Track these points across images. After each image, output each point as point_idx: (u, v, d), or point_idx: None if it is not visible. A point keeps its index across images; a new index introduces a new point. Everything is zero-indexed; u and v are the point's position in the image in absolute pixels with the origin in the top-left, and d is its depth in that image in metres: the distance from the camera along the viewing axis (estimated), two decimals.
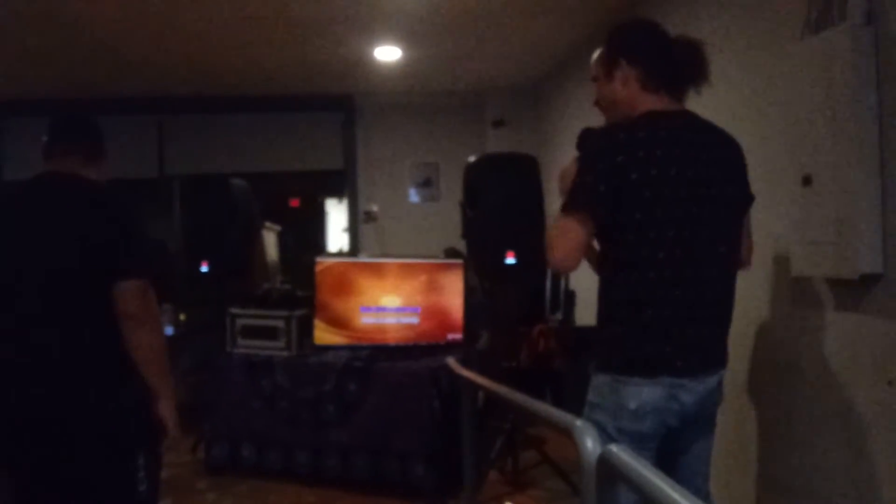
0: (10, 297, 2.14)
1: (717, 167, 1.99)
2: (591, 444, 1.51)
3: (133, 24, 4.47)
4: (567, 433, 1.62)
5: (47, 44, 4.78)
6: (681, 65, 2.03)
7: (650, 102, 2.00)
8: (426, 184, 6.54)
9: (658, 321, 1.90)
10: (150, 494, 2.21)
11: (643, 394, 1.88)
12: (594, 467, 1.47)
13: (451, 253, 4.90)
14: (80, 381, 2.09)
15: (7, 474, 2.16)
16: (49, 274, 2.11)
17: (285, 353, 4.36)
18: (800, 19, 2.55)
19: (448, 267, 4.48)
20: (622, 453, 1.36)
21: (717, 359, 2.05)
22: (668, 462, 1.98)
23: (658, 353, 1.89)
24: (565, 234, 1.92)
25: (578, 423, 1.59)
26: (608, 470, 1.39)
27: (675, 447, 2.03)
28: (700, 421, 2.05)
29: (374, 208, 6.47)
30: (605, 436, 1.81)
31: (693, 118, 2.07)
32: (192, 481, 4.31)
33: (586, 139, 2.25)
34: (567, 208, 1.92)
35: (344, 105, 6.58)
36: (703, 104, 3.45)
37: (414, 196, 6.57)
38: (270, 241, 5.54)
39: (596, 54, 2.16)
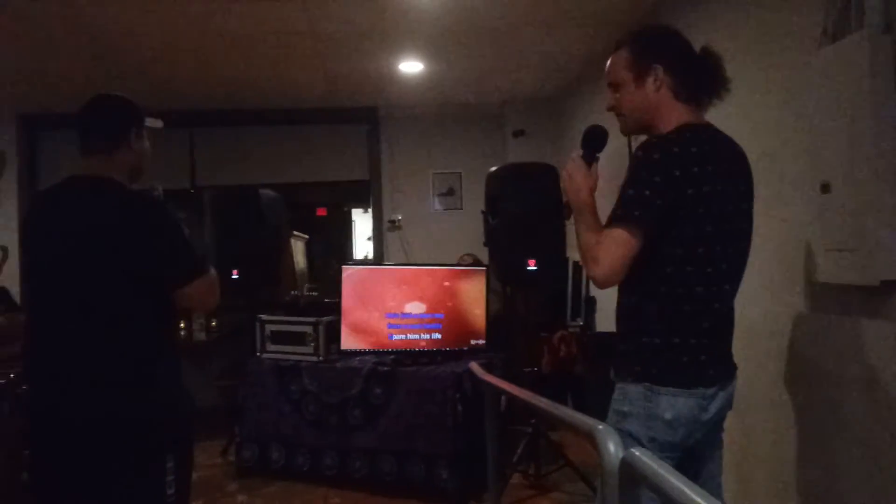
0: (43, 304, 2.17)
1: (742, 182, 2.04)
2: (613, 448, 1.51)
3: (162, 41, 4.58)
4: (589, 437, 1.63)
5: (85, 62, 4.93)
6: (706, 76, 2.02)
7: (681, 112, 1.99)
8: (449, 193, 6.61)
9: (698, 334, 1.93)
10: (179, 499, 2.20)
11: (678, 404, 1.90)
12: (617, 471, 1.47)
13: (472, 261, 4.96)
14: (111, 386, 2.09)
15: (37, 478, 2.19)
16: (81, 283, 2.11)
17: (313, 359, 4.45)
18: (817, 28, 2.57)
19: (470, 273, 4.54)
20: (645, 457, 1.34)
21: (733, 366, 2.11)
22: (688, 471, 1.99)
23: (696, 364, 1.92)
24: (615, 247, 1.87)
25: (601, 426, 1.60)
26: (631, 474, 1.39)
27: (695, 455, 2.04)
28: (716, 428, 2.10)
29: (399, 217, 6.55)
30: (638, 445, 1.78)
31: (719, 132, 2.07)
32: (222, 483, 4.42)
33: (594, 137, 2.15)
34: (619, 220, 1.88)
35: (369, 117, 6.68)
36: (725, 113, 3.49)
37: (437, 205, 6.64)
38: (298, 249, 5.64)
39: (617, 57, 2.09)
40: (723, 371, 2.02)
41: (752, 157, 3.15)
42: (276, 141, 6.64)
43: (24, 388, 2.56)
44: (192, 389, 2.34)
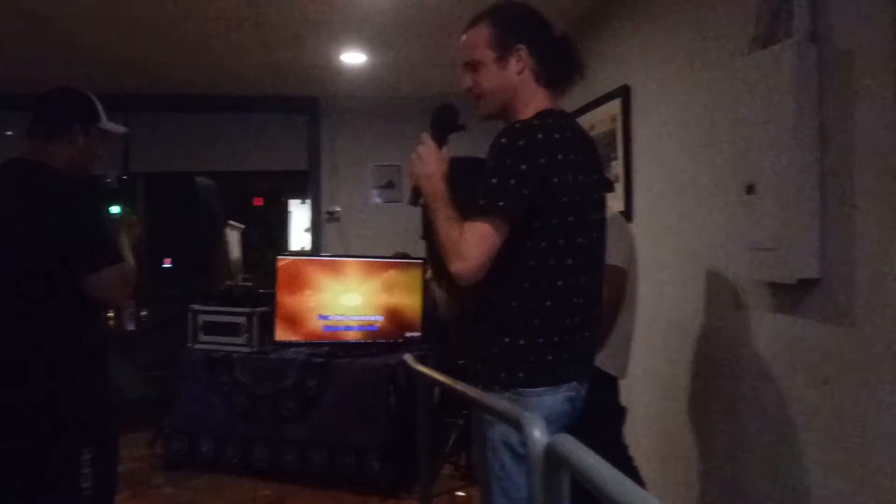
0: None
1: (596, 171, 1.97)
2: (538, 435, 1.54)
3: (99, 21, 4.46)
4: (516, 424, 1.66)
5: (7, 36, 4.74)
6: (565, 61, 1.95)
7: (541, 97, 1.91)
8: (389, 186, 6.59)
9: (564, 329, 1.85)
10: (97, 493, 2.14)
11: (547, 402, 1.82)
12: (542, 457, 1.50)
13: (402, 257, 4.95)
14: (27, 375, 2.06)
15: None
16: (3, 269, 2.08)
17: (246, 350, 4.40)
18: (747, 35, 2.65)
19: (407, 266, 4.55)
20: (569, 443, 1.36)
21: (593, 363, 2.05)
22: None
23: (561, 362, 1.84)
24: (480, 241, 1.74)
25: (527, 414, 1.62)
26: (555, 459, 1.40)
27: None
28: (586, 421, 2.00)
29: (337, 209, 6.51)
30: (511, 450, 1.79)
31: (574, 119, 2.01)
32: (149, 475, 4.34)
33: (445, 117, 2.01)
34: (483, 212, 1.75)
35: (309, 107, 6.61)
36: (653, 111, 3.59)
37: (376, 197, 6.62)
38: (233, 239, 5.56)
39: (477, 34, 1.94)
40: (586, 368, 1.95)
41: (682, 157, 3.26)
42: (214, 128, 6.52)
43: None
44: (119, 380, 2.29)
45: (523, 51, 1.89)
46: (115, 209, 2.48)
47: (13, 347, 2.07)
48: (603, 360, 2.86)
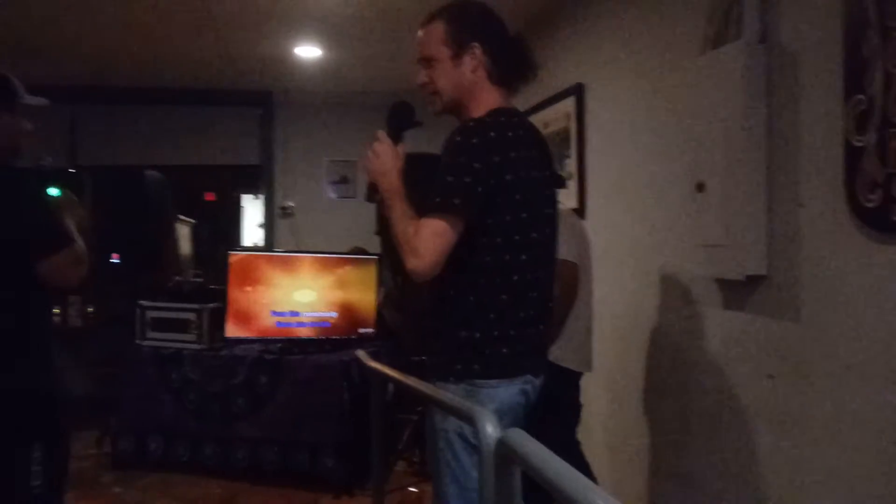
0: None
1: (547, 168, 2.01)
2: (490, 430, 1.56)
3: (48, 8, 4.34)
4: (469, 420, 1.67)
5: None
6: (518, 60, 1.98)
7: (494, 96, 1.94)
8: (343, 181, 6.56)
9: (516, 324, 1.88)
10: (48, 490, 2.10)
11: (500, 394, 1.85)
12: (493, 451, 1.52)
13: (358, 252, 4.93)
14: None
15: None
16: None
17: (196, 346, 4.33)
18: (698, 35, 2.70)
19: (361, 262, 4.53)
20: (520, 437, 1.38)
21: (546, 357, 2.09)
22: None
23: (516, 355, 1.88)
24: (435, 238, 1.77)
25: (479, 409, 1.64)
26: (506, 454, 1.41)
27: None
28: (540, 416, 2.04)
29: (291, 204, 6.45)
30: (464, 440, 1.81)
31: (525, 117, 2.04)
32: (96, 475, 4.26)
33: (400, 114, 2.03)
34: (438, 209, 1.78)
35: (262, 101, 6.54)
36: (606, 110, 3.63)
37: (330, 193, 6.58)
38: (184, 234, 5.47)
39: (432, 31, 1.97)
40: (540, 361, 1.99)
41: (634, 155, 3.30)
42: (165, 121, 6.41)
43: None
44: (65, 377, 2.24)
45: (478, 49, 1.92)
46: (53, 191, 2.42)
47: None
48: (563, 355, 2.89)
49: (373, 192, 1.96)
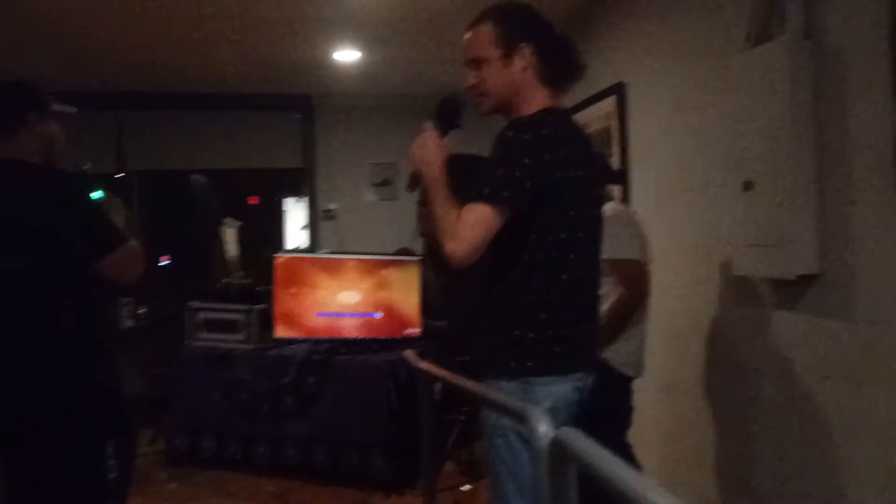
0: None
1: (593, 168, 2.03)
2: (544, 429, 1.56)
3: (93, 19, 4.46)
4: (521, 419, 1.68)
5: (4, 37, 4.74)
6: (566, 60, 2.00)
7: (543, 96, 1.96)
8: (384, 183, 6.61)
9: (568, 322, 1.90)
10: (121, 484, 2.21)
11: (555, 391, 1.87)
12: (547, 450, 1.53)
13: (404, 253, 4.98)
14: (50, 370, 2.10)
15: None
16: (10, 266, 2.09)
17: (245, 347, 4.42)
18: (742, 32, 2.68)
19: (405, 264, 4.57)
20: (575, 436, 1.38)
21: (595, 355, 2.11)
22: None
23: (569, 352, 1.90)
24: (477, 224, 1.78)
25: (532, 408, 1.65)
26: (561, 452, 1.42)
27: None
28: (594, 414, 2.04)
29: (334, 206, 6.52)
30: (520, 436, 1.82)
31: (572, 117, 2.07)
32: (151, 472, 4.36)
33: (448, 111, 2.03)
34: (485, 199, 1.79)
35: (302, 105, 6.61)
36: (648, 108, 3.61)
37: (372, 195, 6.63)
38: (230, 236, 5.57)
39: (480, 32, 1.98)
40: (591, 360, 2.01)
41: (678, 154, 3.29)
42: (209, 126, 6.52)
43: None
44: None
45: (527, 49, 1.93)
46: (96, 194, 2.50)
47: (34, 344, 2.10)
48: (617, 359, 2.87)
49: (416, 182, 1.99)
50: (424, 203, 1.98)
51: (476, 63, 1.98)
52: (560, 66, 1.99)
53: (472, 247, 1.78)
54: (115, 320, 5.29)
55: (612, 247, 2.79)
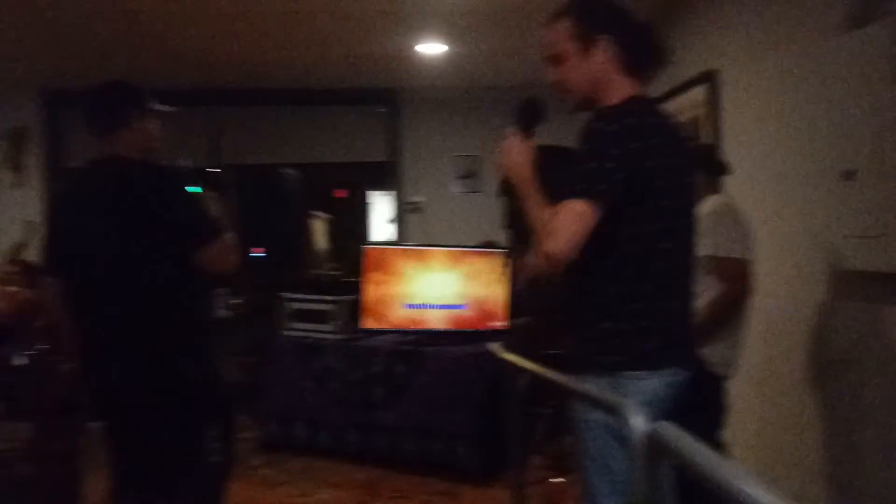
0: (88, 278, 2.29)
1: (685, 156, 1.99)
2: (640, 422, 1.55)
3: (186, 19, 4.63)
4: (615, 412, 1.67)
5: (107, 38, 4.97)
6: (648, 47, 1.96)
7: (629, 85, 1.93)
8: (469, 175, 6.63)
9: (663, 315, 1.87)
10: (223, 467, 2.36)
11: (648, 386, 1.83)
12: (644, 445, 1.52)
13: (489, 246, 4.99)
14: (157, 355, 2.23)
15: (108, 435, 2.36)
16: (119, 257, 2.23)
17: (335, 337, 4.52)
18: (840, 15, 2.59)
19: (491, 255, 4.59)
20: (672, 430, 1.35)
21: (693, 349, 2.06)
22: None
23: (663, 345, 1.86)
24: (574, 221, 1.74)
25: (627, 401, 1.63)
26: (656, 447, 1.40)
27: None
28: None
29: (419, 199, 6.58)
30: (611, 431, 1.79)
31: (660, 106, 2.04)
32: (246, 457, 4.48)
33: (529, 111, 2.00)
34: (580, 194, 1.75)
35: (387, 98, 6.69)
36: (741, 97, 3.52)
37: (457, 187, 6.66)
38: (319, 229, 5.70)
39: (558, 28, 1.95)
40: (688, 354, 1.96)
41: (773, 143, 3.20)
42: (297, 121, 6.67)
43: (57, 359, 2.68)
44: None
45: (606, 41, 1.91)
46: (194, 189, 2.62)
47: (143, 331, 2.24)
48: (711, 358, 2.79)
49: (506, 189, 1.98)
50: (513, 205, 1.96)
51: (556, 59, 1.97)
52: (642, 53, 1.95)
53: (570, 244, 1.74)
54: (211, 310, 5.50)
55: (715, 243, 2.74)
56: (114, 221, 2.23)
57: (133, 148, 2.35)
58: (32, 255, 5.85)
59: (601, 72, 1.92)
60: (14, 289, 5.49)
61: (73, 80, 5.74)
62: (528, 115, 2.01)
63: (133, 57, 5.30)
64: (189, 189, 2.40)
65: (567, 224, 1.75)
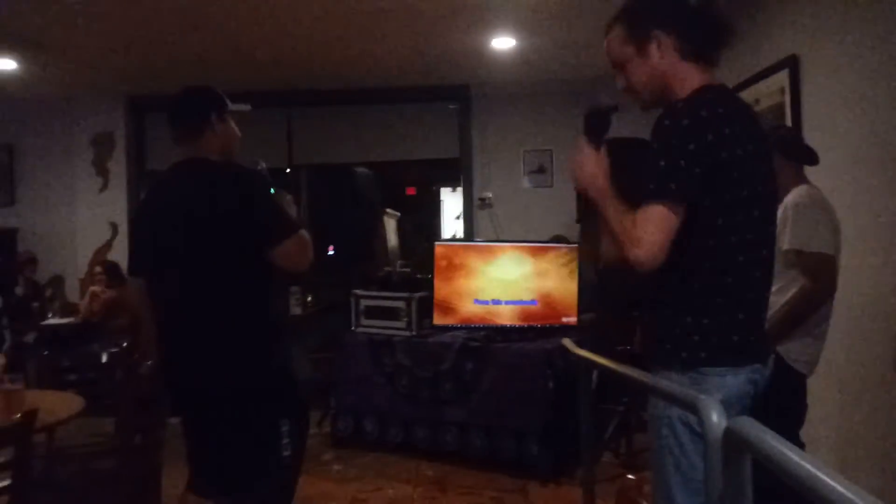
0: (170, 278, 2.35)
1: (763, 143, 1.91)
2: (716, 418, 1.50)
3: (262, 25, 4.73)
4: (693, 408, 1.62)
5: (190, 48, 5.13)
6: (707, 28, 1.89)
7: (693, 74, 1.87)
8: (540, 171, 6.57)
9: (746, 308, 1.82)
10: (294, 461, 2.38)
11: (728, 383, 1.78)
12: (720, 441, 1.46)
13: (559, 241, 4.93)
14: (233, 351, 2.28)
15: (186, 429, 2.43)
16: (201, 257, 2.29)
17: (406, 333, 4.54)
18: None
19: (562, 251, 4.53)
20: (752, 426, 1.31)
21: (769, 342, 1.99)
22: None
23: (745, 340, 1.81)
24: (654, 225, 1.71)
25: (703, 397, 1.58)
26: (735, 443, 1.36)
27: None
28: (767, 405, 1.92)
29: (489, 195, 6.55)
30: (689, 428, 1.76)
31: (733, 92, 1.96)
32: (318, 452, 4.57)
33: (596, 119, 1.97)
34: (655, 196, 1.72)
35: (460, 95, 6.67)
36: (825, 82, 3.38)
37: (527, 183, 6.61)
38: (390, 226, 5.73)
39: (613, 37, 1.96)
40: (767, 350, 1.91)
41: (860, 129, 3.05)
42: (368, 120, 6.72)
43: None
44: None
45: (659, 34, 1.87)
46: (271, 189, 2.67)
47: (219, 329, 2.29)
48: (791, 355, 2.68)
49: (586, 204, 2.00)
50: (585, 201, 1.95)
51: (619, 66, 1.96)
52: (701, 37, 1.89)
53: (655, 249, 1.71)
54: (286, 308, 5.61)
55: (801, 237, 2.62)
56: (196, 222, 2.30)
57: (214, 150, 2.42)
58: (116, 255, 6.12)
59: (663, 66, 1.89)
60: (100, 289, 5.74)
61: (156, 87, 5.97)
62: (596, 124, 1.99)
63: (209, 62, 5.44)
64: (266, 189, 2.44)
65: (650, 230, 1.72)
